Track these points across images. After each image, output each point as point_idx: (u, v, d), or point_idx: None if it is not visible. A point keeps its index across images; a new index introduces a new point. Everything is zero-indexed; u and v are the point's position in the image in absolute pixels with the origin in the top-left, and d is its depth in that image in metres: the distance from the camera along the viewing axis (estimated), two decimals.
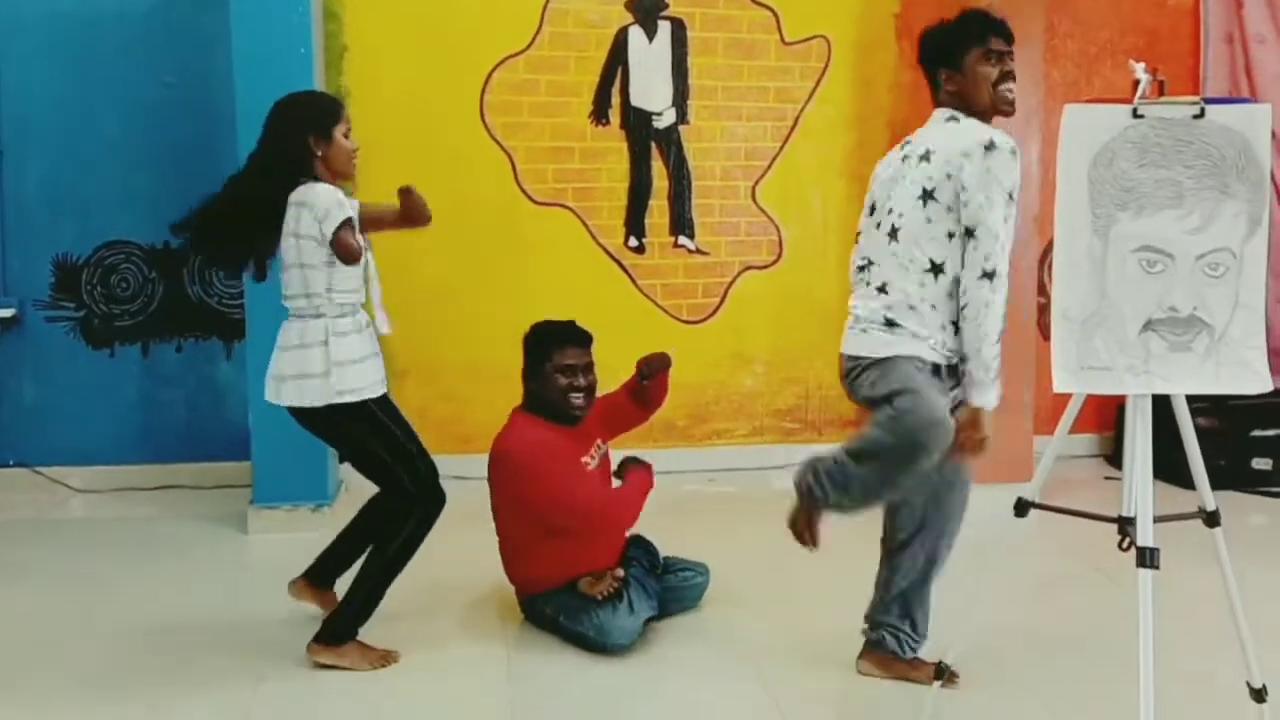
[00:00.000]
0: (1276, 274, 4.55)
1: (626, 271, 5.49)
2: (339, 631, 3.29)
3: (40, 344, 5.19)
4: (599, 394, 3.66)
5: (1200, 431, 2.70)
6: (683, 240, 5.54)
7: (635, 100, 5.41)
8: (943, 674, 2.99)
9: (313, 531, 4.17)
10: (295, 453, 4.40)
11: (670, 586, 3.67)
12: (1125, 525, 2.63)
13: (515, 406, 3.65)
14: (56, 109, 5.09)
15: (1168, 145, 2.53)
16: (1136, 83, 2.55)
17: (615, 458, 3.76)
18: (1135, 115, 2.53)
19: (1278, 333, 4.96)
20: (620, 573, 3.49)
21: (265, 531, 4.53)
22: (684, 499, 5.05)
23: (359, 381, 3.21)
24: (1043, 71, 5.19)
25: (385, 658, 3.32)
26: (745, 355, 5.65)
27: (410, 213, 3.35)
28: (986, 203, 2.79)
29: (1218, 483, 2.86)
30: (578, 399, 3.54)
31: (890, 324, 2.93)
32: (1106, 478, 5.44)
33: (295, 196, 3.13)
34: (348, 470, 4.46)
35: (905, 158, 3.00)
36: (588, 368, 3.58)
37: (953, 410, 2.88)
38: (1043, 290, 5.33)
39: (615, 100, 5.39)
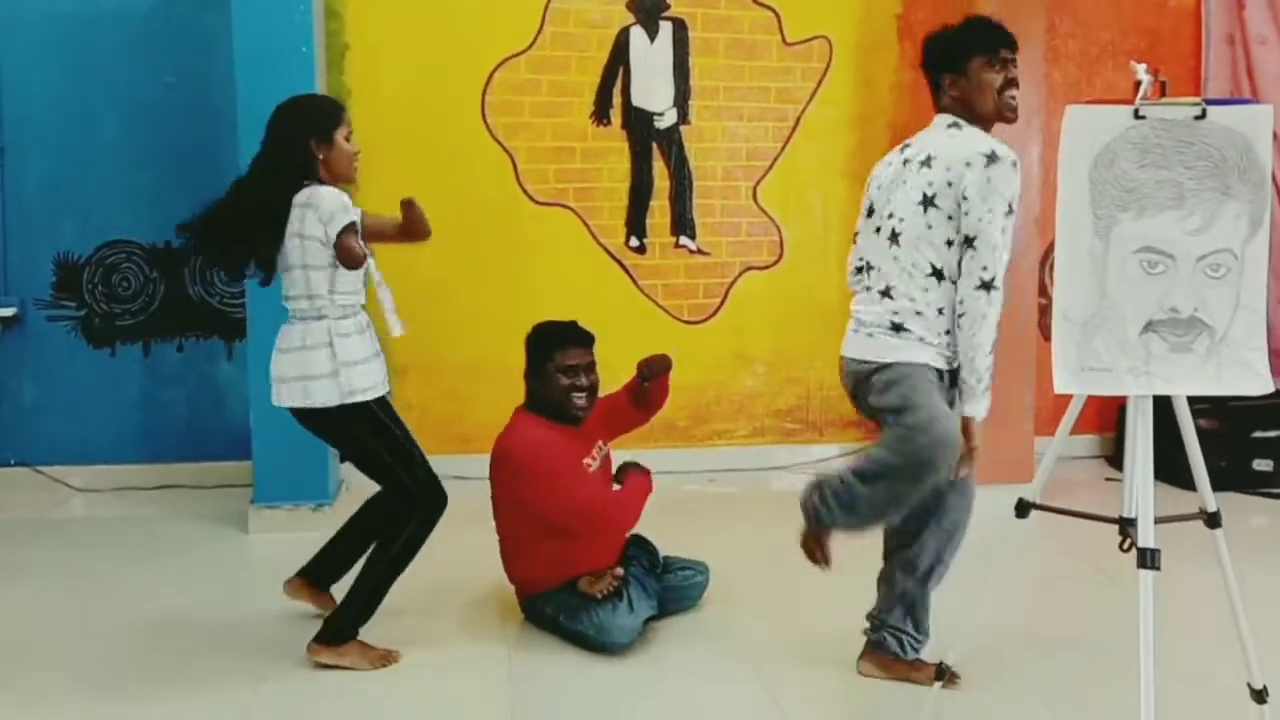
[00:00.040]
0: (1278, 275, 4.54)
1: (627, 272, 5.49)
2: (340, 631, 3.29)
3: (41, 343, 5.19)
4: (600, 394, 3.65)
5: (1201, 433, 2.69)
6: (684, 240, 5.54)
7: (636, 100, 5.41)
8: (944, 675, 2.98)
9: (313, 531, 4.17)
10: (296, 452, 4.40)
11: (670, 586, 3.67)
12: (1126, 526, 2.63)
13: (518, 406, 3.65)
14: (57, 108, 5.10)
15: (1169, 146, 2.52)
16: (1138, 84, 2.54)
17: (616, 458, 3.77)
18: (1136, 116, 2.53)
19: (1279, 334, 4.96)
20: (620, 572, 3.49)
21: (266, 531, 4.53)
22: (684, 499, 5.05)
23: (366, 381, 3.22)
24: (1044, 72, 5.19)
25: (386, 657, 3.32)
26: (746, 356, 5.65)
27: (410, 226, 3.36)
28: (988, 214, 2.81)
29: (1219, 484, 2.86)
30: (580, 399, 3.54)
31: (897, 328, 2.93)
32: (1107, 479, 5.44)
33: (300, 198, 3.13)
34: (348, 470, 4.46)
35: (906, 161, 3.00)
36: (590, 367, 3.58)
37: None
38: (1044, 291, 5.34)
39: (616, 100, 5.39)
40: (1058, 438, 2.75)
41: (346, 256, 3.11)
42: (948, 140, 2.93)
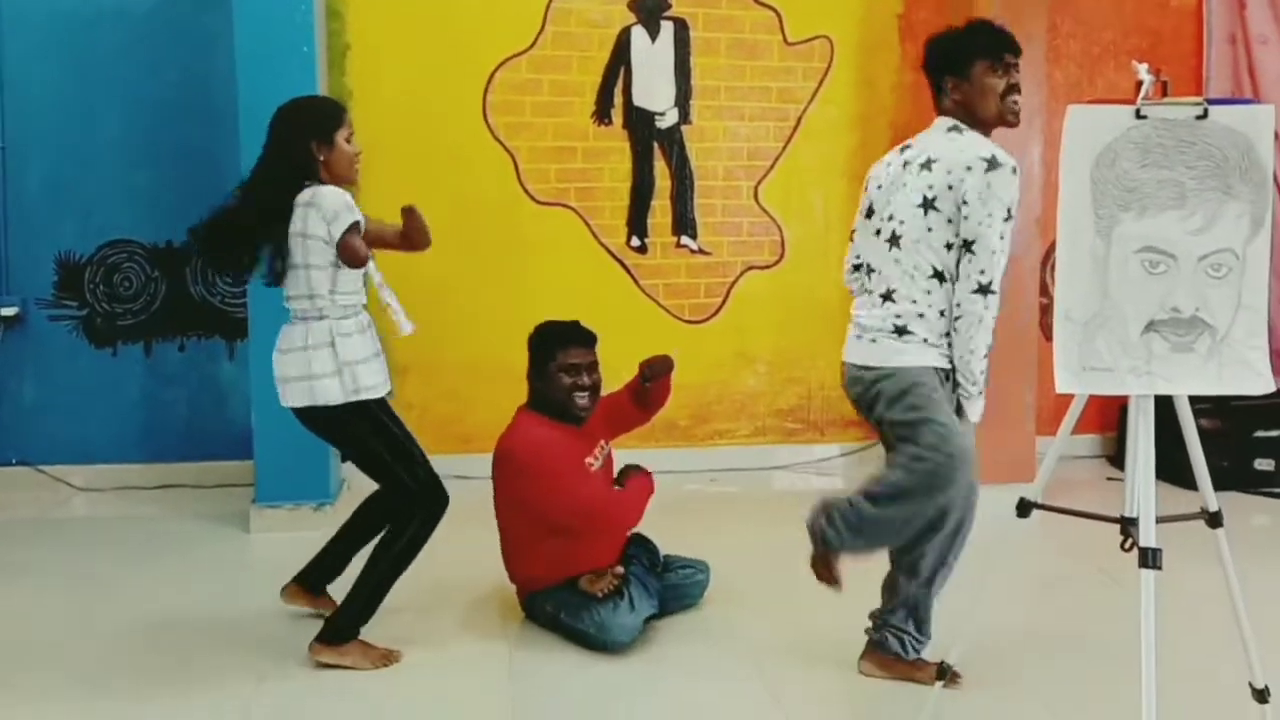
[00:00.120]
0: (1279, 274, 4.54)
1: (629, 271, 5.50)
2: (341, 631, 3.29)
3: (43, 342, 5.20)
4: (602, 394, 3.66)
5: (1203, 432, 2.69)
6: (685, 240, 5.54)
7: (638, 100, 5.41)
8: (945, 674, 2.98)
9: (314, 530, 4.17)
10: (297, 452, 4.40)
11: (671, 584, 3.67)
12: (1128, 526, 2.62)
13: (520, 405, 3.65)
14: (59, 107, 5.10)
15: (1170, 146, 2.52)
16: (1139, 83, 2.54)
17: (617, 458, 3.77)
18: (1138, 116, 2.52)
19: None
20: (621, 570, 3.50)
21: (267, 530, 4.53)
22: (686, 499, 5.05)
23: (369, 380, 3.22)
24: (1045, 72, 5.19)
25: (387, 657, 3.32)
26: (747, 355, 5.65)
27: (410, 234, 3.35)
28: (987, 218, 2.82)
29: (1220, 483, 2.86)
30: (582, 398, 3.54)
31: (900, 331, 2.94)
32: (1109, 478, 5.44)
33: (302, 198, 3.14)
34: (350, 469, 4.46)
35: (906, 163, 3.00)
36: (592, 367, 3.58)
37: None
38: (1045, 291, 5.34)
39: (618, 100, 5.39)
40: (1059, 437, 2.75)
41: (349, 256, 3.12)
42: (948, 144, 2.93)
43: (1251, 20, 5.60)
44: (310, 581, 3.58)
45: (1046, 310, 5.20)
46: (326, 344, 3.18)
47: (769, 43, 5.50)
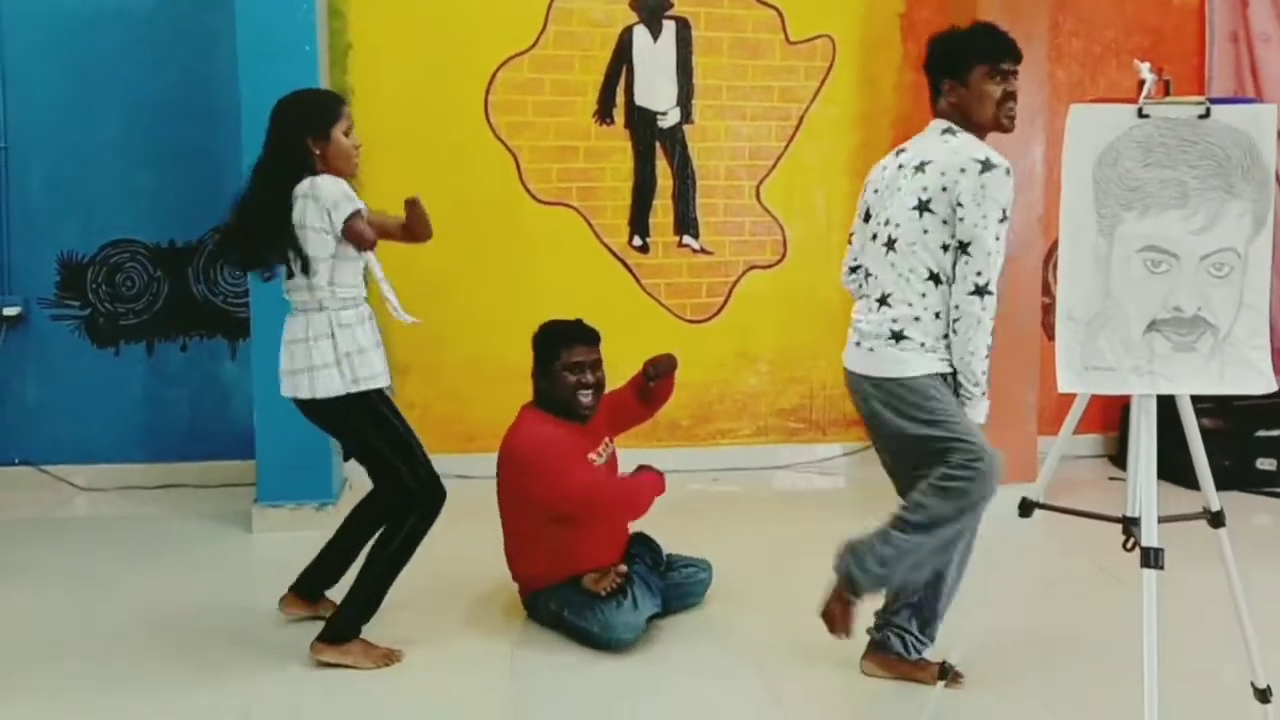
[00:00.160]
0: None
1: (630, 271, 5.49)
2: (342, 630, 3.29)
3: (45, 342, 5.20)
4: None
5: (1205, 432, 2.69)
6: (687, 240, 5.54)
7: (640, 99, 5.41)
8: (946, 674, 2.98)
9: (316, 530, 4.16)
10: (299, 452, 4.41)
11: (674, 583, 3.67)
12: (1130, 525, 2.62)
13: (525, 404, 3.65)
14: (61, 107, 5.10)
15: (1173, 145, 2.52)
16: (1141, 82, 2.54)
17: (621, 458, 3.77)
18: (1140, 115, 2.52)
19: None
20: (624, 569, 3.50)
21: (269, 530, 4.53)
22: (688, 498, 5.05)
23: (369, 371, 3.23)
24: (1047, 71, 5.19)
25: (389, 656, 3.32)
26: (749, 355, 5.64)
27: (413, 225, 3.36)
28: (982, 219, 2.82)
29: (1222, 483, 2.86)
30: (586, 396, 3.56)
31: (897, 337, 2.94)
32: (1111, 478, 5.44)
33: (300, 189, 3.14)
34: (352, 469, 4.46)
35: (900, 166, 3.01)
36: (596, 365, 3.60)
37: None
38: (1047, 290, 5.33)
39: (620, 99, 5.39)
40: (1061, 437, 2.75)
41: (356, 239, 3.14)
42: (942, 146, 2.94)
43: (1254, 18, 5.59)
44: (307, 590, 3.58)
45: (1048, 310, 5.20)
46: (326, 335, 3.19)
47: (771, 42, 5.50)
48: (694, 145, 5.48)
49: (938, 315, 2.92)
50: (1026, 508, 2.80)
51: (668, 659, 3.39)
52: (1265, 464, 5.24)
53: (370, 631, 3.33)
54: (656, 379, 3.79)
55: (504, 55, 5.27)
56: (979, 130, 2.96)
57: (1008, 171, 2.85)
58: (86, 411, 5.21)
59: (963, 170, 2.84)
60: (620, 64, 5.38)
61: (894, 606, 3.17)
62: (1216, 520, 2.71)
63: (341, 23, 5.10)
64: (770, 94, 5.52)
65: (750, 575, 3.97)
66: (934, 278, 2.91)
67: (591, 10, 5.33)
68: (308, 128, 3.18)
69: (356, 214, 3.13)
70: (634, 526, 3.74)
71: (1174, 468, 2.87)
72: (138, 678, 3.27)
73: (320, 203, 3.11)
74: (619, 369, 3.78)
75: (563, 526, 3.48)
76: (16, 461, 5.19)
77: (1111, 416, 5.63)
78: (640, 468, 3.66)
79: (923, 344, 2.92)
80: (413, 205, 3.33)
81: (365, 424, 3.27)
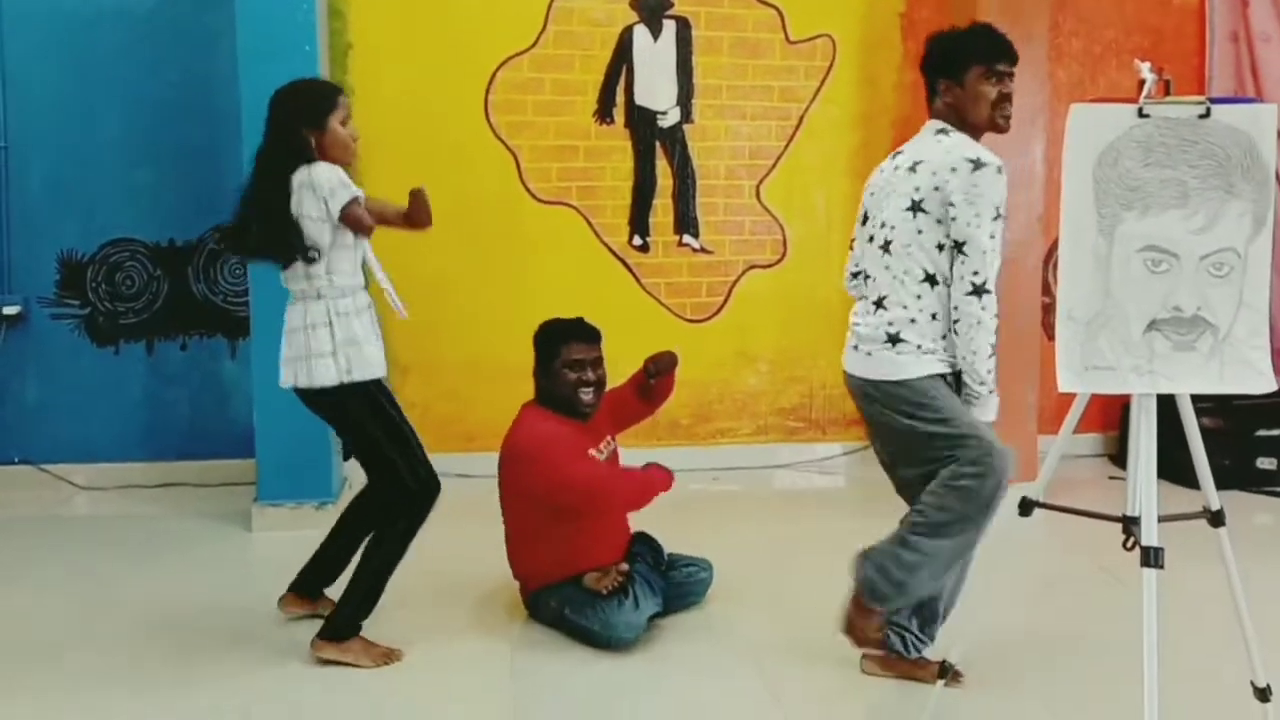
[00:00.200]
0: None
1: (630, 270, 5.49)
2: (342, 627, 3.30)
3: (45, 341, 5.20)
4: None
5: (1205, 431, 2.69)
6: (687, 239, 5.54)
7: (640, 99, 5.41)
8: (946, 673, 2.98)
9: (316, 529, 4.15)
10: (299, 450, 4.41)
11: (675, 583, 3.68)
12: (1130, 525, 2.62)
13: (526, 402, 3.66)
14: (61, 107, 5.10)
15: (1173, 145, 2.52)
16: (1142, 82, 2.54)
17: (623, 457, 3.77)
18: (1140, 115, 2.52)
19: None
20: (625, 568, 3.50)
21: (269, 529, 4.53)
22: (688, 497, 5.01)
23: (366, 360, 3.23)
24: (1047, 70, 5.19)
25: (389, 655, 3.32)
26: (749, 354, 5.64)
27: (413, 213, 3.35)
28: (975, 218, 2.82)
29: (1222, 483, 2.86)
30: (587, 394, 3.56)
31: (893, 339, 2.94)
32: (1111, 477, 5.44)
33: (298, 179, 3.14)
34: (351, 468, 4.46)
35: (896, 168, 3.02)
36: (596, 362, 3.60)
37: None
38: (1047, 290, 5.34)
39: (620, 99, 5.39)
40: (1061, 436, 2.75)
41: (354, 224, 3.15)
42: (935, 146, 2.95)
43: (1254, 18, 5.59)
44: (305, 589, 3.58)
45: (1048, 309, 5.20)
46: (324, 324, 3.19)
47: (771, 41, 5.50)
48: (694, 145, 5.48)
49: (934, 317, 2.92)
50: (1026, 507, 2.80)
51: (668, 658, 3.39)
52: (1265, 463, 5.24)
53: (370, 631, 3.33)
54: (657, 376, 3.79)
55: (504, 55, 5.27)
56: (974, 131, 2.97)
57: (999, 170, 2.84)
58: (86, 410, 5.22)
59: (954, 169, 2.84)
60: (620, 63, 5.38)
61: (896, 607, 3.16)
62: (1216, 520, 2.71)
63: (341, 22, 5.10)
64: (770, 93, 5.52)
65: (750, 574, 3.97)
66: (930, 279, 2.91)
67: (592, 10, 5.33)
68: (304, 118, 3.18)
69: (354, 200, 3.13)
70: (635, 525, 3.75)
71: (1174, 467, 2.87)
72: (137, 677, 3.27)
73: (317, 191, 3.11)
74: (619, 368, 3.78)
75: (565, 521, 3.48)
76: (16, 460, 5.19)
77: (1111, 416, 5.63)
78: (648, 466, 3.66)
79: (919, 346, 2.93)
80: (417, 194, 3.31)
81: (363, 415, 3.27)
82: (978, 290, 2.84)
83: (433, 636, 3.49)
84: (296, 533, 4.37)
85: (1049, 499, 2.80)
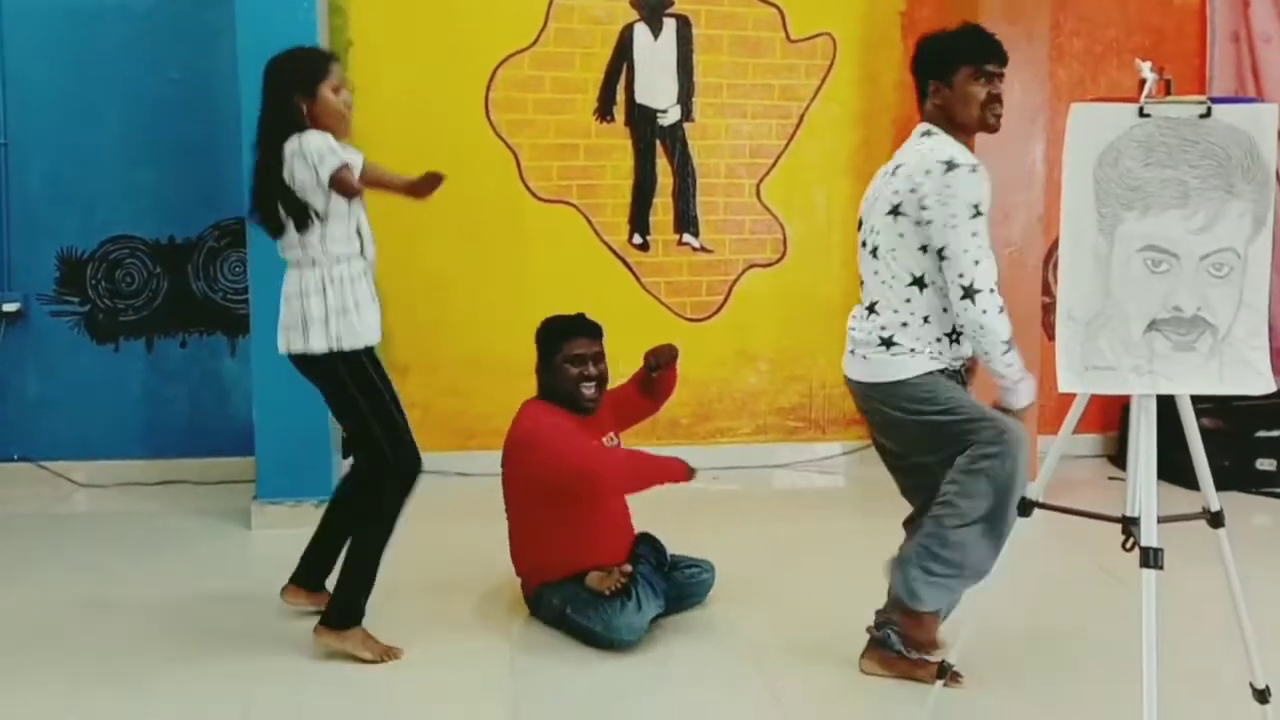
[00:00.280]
0: None
1: (630, 269, 5.49)
2: (341, 614, 3.30)
3: (44, 338, 5.20)
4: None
5: (1205, 432, 2.69)
6: (687, 238, 5.54)
7: (640, 97, 5.40)
8: (946, 673, 2.98)
9: (316, 527, 4.17)
10: (299, 448, 4.41)
11: (677, 584, 3.67)
12: (1129, 525, 2.62)
13: (528, 399, 3.66)
14: (61, 104, 5.10)
15: (1173, 145, 2.52)
16: (1142, 82, 2.54)
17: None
18: (1141, 114, 2.52)
19: None
20: (628, 569, 3.50)
21: (268, 527, 4.53)
22: (688, 497, 4.99)
23: (359, 328, 3.23)
24: (1048, 70, 5.18)
25: (389, 651, 3.32)
26: (749, 353, 5.64)
27: (419, 187, 3.29)
28: (950, 219, 2.83)
29: (1222, 483, 2.86)
30: (589, 389, 3.57)
31: (887, 343, 2.96)
32: (1110, 478, 5.44)
33: (289, 148, 3.14)
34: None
35: (884, 173, 3.04)
36: (598, 357, 3.61)
37: None
38: (1047, 290, 5.33)
39: (620, 97, 5.39)
40: (1060, 436, 2.74)
41: (343, 189, 3.13)
42: (915, 148, 2.97)
43: (1255, 18, 5.58)
44: (306, 579, 3.58)
45: (1048, 310, 5.19)
46: (318, 290, 3.19)
47: (771, 40, 5.50)
48: (694, 143, 5.48)
49: (926, 319, 2.94)
50: (1026, 507, 2.80)
51: (668, 658, 3.39)
52: (1265, 464, 5.24)
53: (369, 627, 3.33)
54: (658, 369, 3.80)
55: (504, 53, 5.27)
56: (964, 131, 2.97)
57: (974, 169, 2.85)
58: (86, 408, 5.22)
59: (928, 172, 2.86)
60: (621, 61, 5.37)
61: (894, 604, 3.16)
62: (1216, 520, 2.71)
63: (342, 20, 5.10)
64: (771, 92, 5.52)
65: (751, 575, 3.96)
66: (918, 282, 2.92)
67: (592, 8, 5.32)
68: (296, 85, 3.18)
69: (344, 166, 3.12)
70: (638, 526, 3.74)
71: (1174, 468, 2.87)
72: (138, 673, 3.27)
73: (307, 159, 3.11)
74: (619, 367, 3.78)
75: (568, 516, 3.48)
76: (16, 457, 5.19)
77: (1111, 416, 5.62)
78: (672, 459, 3.65)
79: (913, 349, 2.94)
80: (435, 178, 3.26)
81: (352, 385, 3.26)
82: (968, 293, 2.84)
83: (433, 635, 3.49)
84: (296, 530, 4.33)
85: (1049, 499, 2.79)
